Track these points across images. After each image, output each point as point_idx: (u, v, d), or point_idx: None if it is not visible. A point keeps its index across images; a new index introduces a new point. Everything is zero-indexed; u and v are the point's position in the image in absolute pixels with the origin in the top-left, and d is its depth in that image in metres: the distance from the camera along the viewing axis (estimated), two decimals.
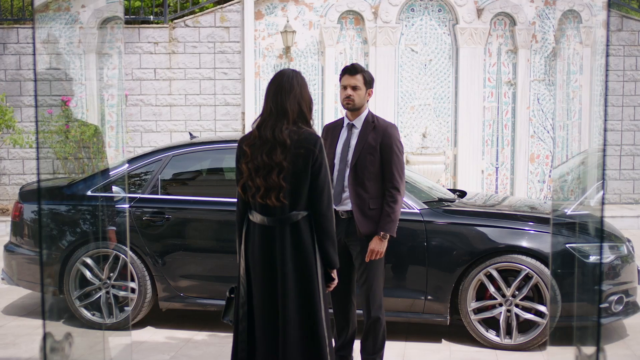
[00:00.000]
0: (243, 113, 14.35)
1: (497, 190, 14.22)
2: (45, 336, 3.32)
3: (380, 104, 13.87)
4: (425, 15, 14.14)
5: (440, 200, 7.33)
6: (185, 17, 14.51)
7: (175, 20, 14.49)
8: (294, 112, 4.44)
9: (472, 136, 14.07)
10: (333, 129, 5.87)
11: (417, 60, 14.19)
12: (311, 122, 4.47)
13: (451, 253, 6.73)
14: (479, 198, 8.38)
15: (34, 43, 2.87)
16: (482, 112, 14.13)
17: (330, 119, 13.45)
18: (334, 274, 4.63)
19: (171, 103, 14.47)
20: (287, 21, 14.04)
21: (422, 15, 14.14)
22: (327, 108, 14.05)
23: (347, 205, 5.66)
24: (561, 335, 6.42)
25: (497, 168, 14.20)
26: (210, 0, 14.96)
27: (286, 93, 4.45)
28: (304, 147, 4.38)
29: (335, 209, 5.65)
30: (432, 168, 13.58)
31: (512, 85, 14.15)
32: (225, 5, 14.37)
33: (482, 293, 6.81)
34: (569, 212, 6.66)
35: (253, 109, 14.16)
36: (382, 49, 14.00)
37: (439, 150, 14.09)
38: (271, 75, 14.16)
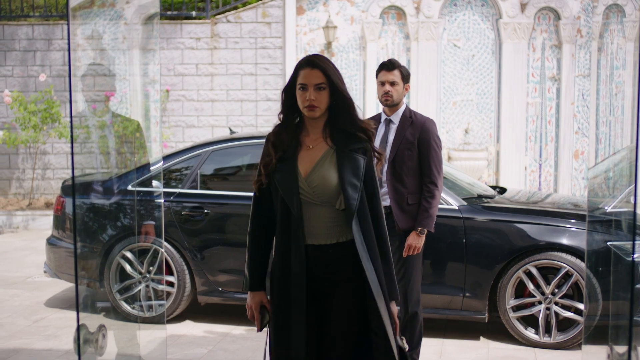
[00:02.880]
0: None
1: (541, 187, 14.07)
2: (79, 328, 3.36)
3: (422, 100, 13.81)
4: (468, 9, 14.03)
5: (480, 196, 7.29)
6: (227, 13, 14.56)
7: (217, 16, 14.55)
8: None
9: (515, 132, 13.95)
10: None
11: (459, 55, 14.09)
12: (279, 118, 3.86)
13: (490, 250, 6.72)
14: (521, 195, 8.35)
15: (68, 40, 2.89)
16: (525, 108, 13.99)
17: (372, 114, 13.39)
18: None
19: (213, 98, 14.54)
20: (329, 16, 14.02)
21: (464, 10, 14.04)
22: (368, 103, 14.01)
23: (385, 201, 5.66)
24: (598, 334, 6.34)
25: (540, 165, 14.06)
26: None
27: None
28: None
29: None
30: (474, 164, 13.48)
31: (556, 80, 13.98)
32: (267, 0, 14.39)
33: (521, 290, 6.77)
34: (608, 209, 6.59)
35: None
36: (424, 44, 13.93)
37: (481, 147, 13.99)
38: None
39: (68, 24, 3.30)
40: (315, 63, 3.66)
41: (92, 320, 3.53)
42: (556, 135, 14.00)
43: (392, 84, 5.67)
